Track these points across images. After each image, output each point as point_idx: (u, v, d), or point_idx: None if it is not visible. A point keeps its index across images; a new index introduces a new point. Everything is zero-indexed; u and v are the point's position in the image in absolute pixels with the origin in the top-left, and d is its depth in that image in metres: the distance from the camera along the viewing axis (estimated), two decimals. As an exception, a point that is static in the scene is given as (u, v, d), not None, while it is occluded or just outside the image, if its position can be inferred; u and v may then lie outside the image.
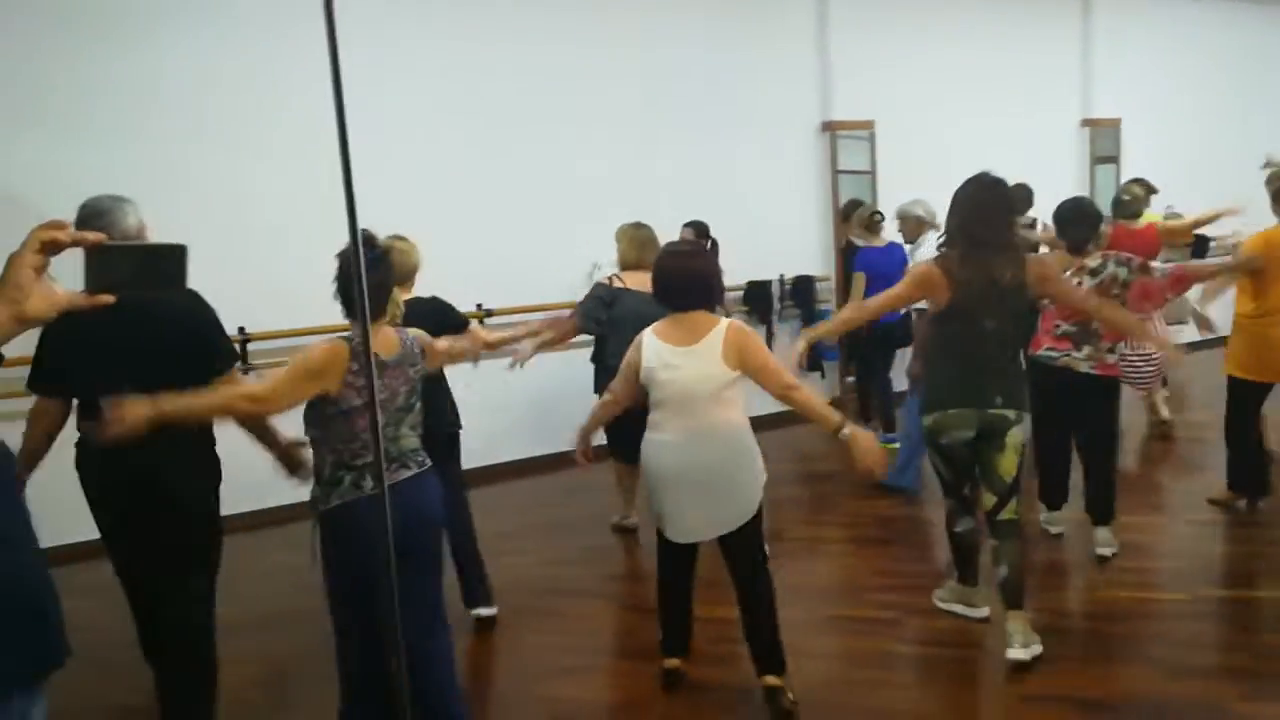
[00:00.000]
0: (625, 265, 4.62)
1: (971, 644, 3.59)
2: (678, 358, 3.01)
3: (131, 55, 4.87)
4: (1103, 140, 8.31)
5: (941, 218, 5.00)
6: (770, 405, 7.26)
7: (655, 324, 3.12)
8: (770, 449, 6.42)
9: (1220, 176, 6.95)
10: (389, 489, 2.46)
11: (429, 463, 2.75)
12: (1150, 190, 6.17)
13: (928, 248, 5.05)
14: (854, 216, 6.33)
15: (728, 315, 3.29)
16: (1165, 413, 6.21)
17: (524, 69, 5.94)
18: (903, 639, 3.67)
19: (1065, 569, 4.28)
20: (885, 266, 5.60)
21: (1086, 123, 8.32)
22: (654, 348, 3.07)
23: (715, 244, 5.57)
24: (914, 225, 5.42)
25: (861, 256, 5.98)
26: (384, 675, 2.56)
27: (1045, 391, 4.13)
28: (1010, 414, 3.39)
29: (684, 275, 3.10)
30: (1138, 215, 5.84)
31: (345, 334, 2.61)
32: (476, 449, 5.76)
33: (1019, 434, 3.43)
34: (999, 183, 3.40)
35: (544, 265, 5.89)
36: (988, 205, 3.35)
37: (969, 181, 3.42)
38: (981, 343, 3.37)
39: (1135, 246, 5.29)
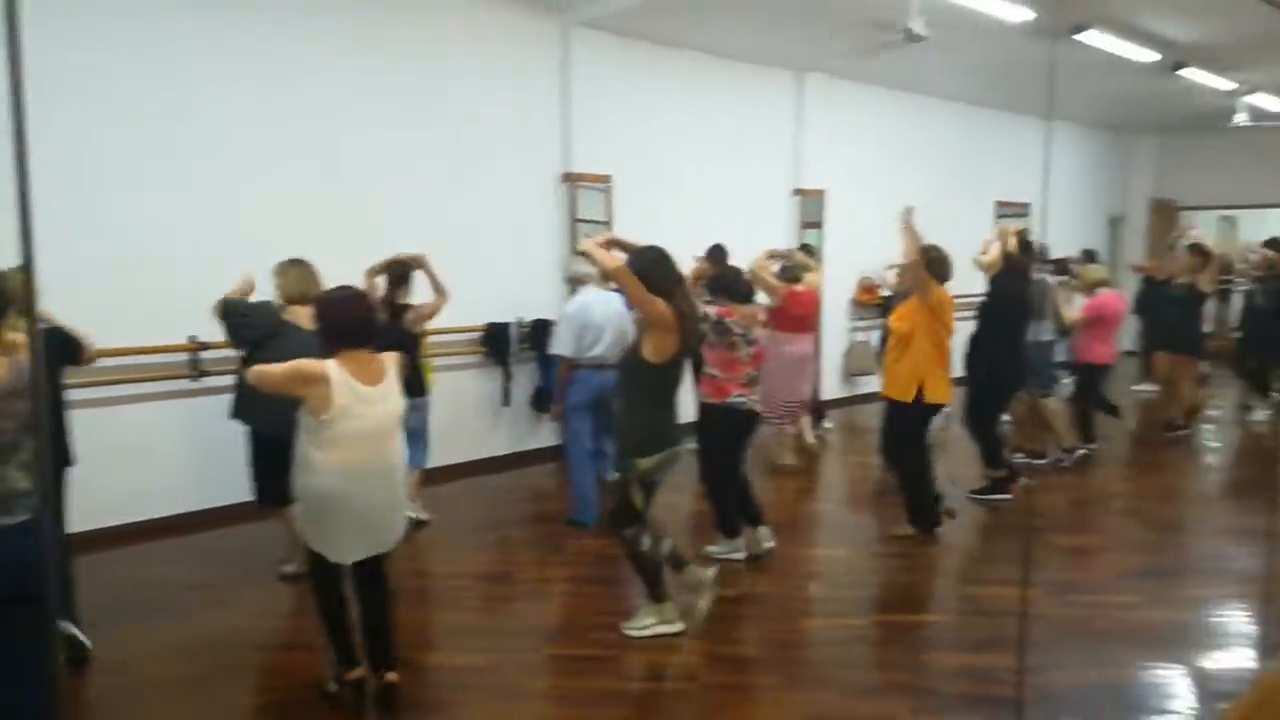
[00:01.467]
0: (289, 300, 4.54)
1: (683, 678, 3.80)
2: (371, 398, 3.21)
3: None
4: (810, 208, 9.18)
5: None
6: (507, 447, 7.40)
7: (334, 361, 3.19)
8: (501, 489, 6.55)
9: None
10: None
11: (35, 507, 2.57)
12: (810, 255, 7.31)
13: (577, 298, 5.62)
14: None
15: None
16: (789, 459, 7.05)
17: (259, 105, 5.67)
18: (619, 675, 3.81)
19: (764, 602, 4.63)
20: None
21: (797, 191, 9.15)
22: (347, 386, 3.16)
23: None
24: (571, 280, 5.86)
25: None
26: None
27: (735, 434, 4.86)
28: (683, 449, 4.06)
29: (357, 317, 3.30)
30: (798, 279, 6.89)
31: None
32: (167, 497, 5.42)
33: None
34: (662, 250, 3.95)
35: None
36: (668, 264, 3.91)
37: (652, 248, 3.95)
38: (678, 384, 3.99)
39: (798, 304, 6.68)
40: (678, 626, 4.07)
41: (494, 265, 6.76)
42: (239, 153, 5.61)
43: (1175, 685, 3.73)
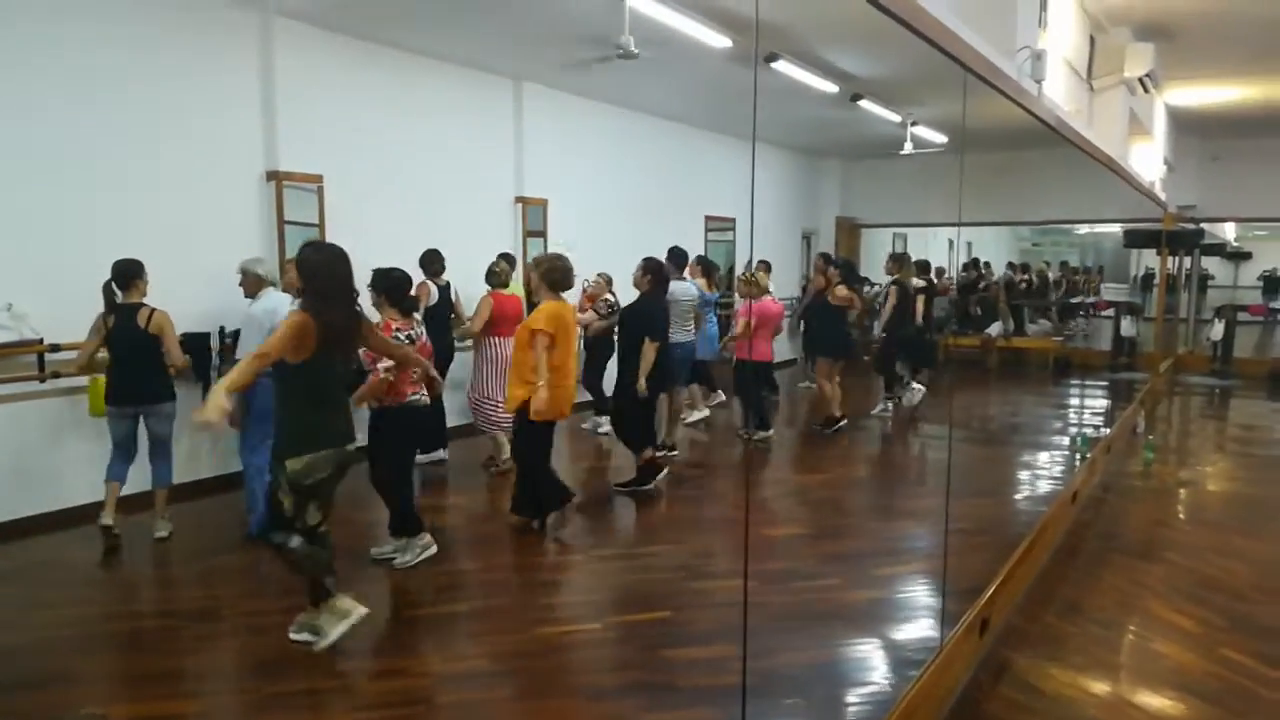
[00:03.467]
0: None
1: (418, 701, 3.65)
2: None
3: None
4: (533, 216, 9.23)
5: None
6: (213, 469, 6.73)
7: None
8: (208, 515, 6.01)
9: (623, 251, 8.19)
10: None
11: None
12: (512, 265, 7.60)
13: (265, 302, 5.48)
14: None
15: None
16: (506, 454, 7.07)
17: None
18: (352, 706, 3.60)
19: (493, 614, 4.57)
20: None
21: (520, 200, 9.17)
22: None
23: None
24: (254, 281, 5.62)
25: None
26: None
27: (414, 432, 5.10)
28: (355, 450, 4.04)
29: None
30: (506, 285, 7.18)
31: None
32: None
33: None
34: (342, 251, 3.98)
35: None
36: (338, 266, 3.92)
37: (320, 247, 4.10)
38: (335, 387, 4.00)
39: (507, 309, 6.94)
40: (349, 620, 3.92)
41: (190, 270, 6.17)
42: None
43: (875, 657, 4.11)
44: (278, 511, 3.86)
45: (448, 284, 7.37)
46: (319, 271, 3.88)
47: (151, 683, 3.82)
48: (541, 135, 9.28)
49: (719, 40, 7.16)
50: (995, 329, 14.49)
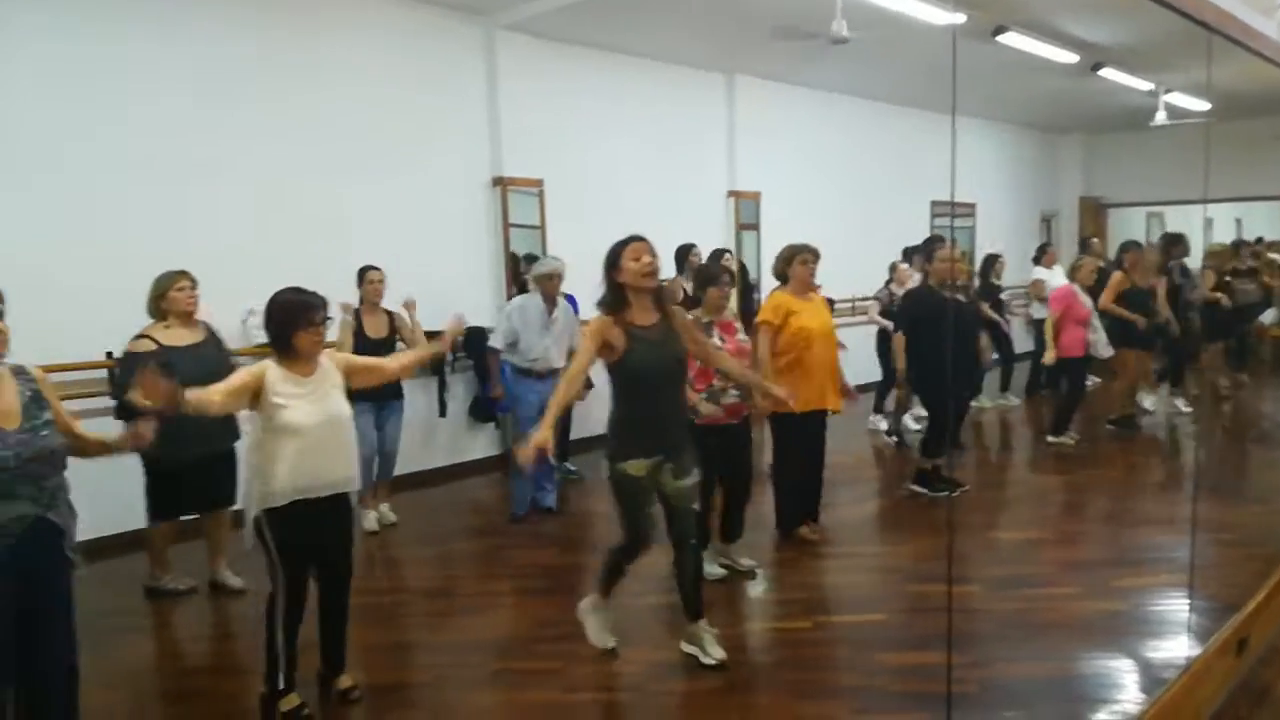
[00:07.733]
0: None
1: (628, 688, 3.74)
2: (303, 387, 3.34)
3: None
4: (746, 210, 9.21)
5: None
6: (444, 459, 7.20)
7: (273, 360, 3.36)
8: (440, 502, 6.42)
9: (840, 243, 7.96)
10: None
11: None
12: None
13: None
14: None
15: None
16: None
17: (168, 116, 5.55)
18: (565, 687, 3.74)
19: (706, 608, 4.58)
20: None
21: (732, 194, 9.18)
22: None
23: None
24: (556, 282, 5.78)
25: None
26: None
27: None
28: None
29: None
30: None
31: None
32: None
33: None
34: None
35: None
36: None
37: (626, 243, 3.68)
38: (650, 388, 3.62)
39: None
40: (604, 642, 3.95)
41: (427, 271, 6.64)
42: (146, 167, 5.48)
43: (1113, 675, 3.78)
44: (619, 508, 3.75)
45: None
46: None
47: (387, 653, 4.14)
48: (754, 128, 9.24)
49: (950, 17, 6.79)
50: (1269, 316, 12.89)
